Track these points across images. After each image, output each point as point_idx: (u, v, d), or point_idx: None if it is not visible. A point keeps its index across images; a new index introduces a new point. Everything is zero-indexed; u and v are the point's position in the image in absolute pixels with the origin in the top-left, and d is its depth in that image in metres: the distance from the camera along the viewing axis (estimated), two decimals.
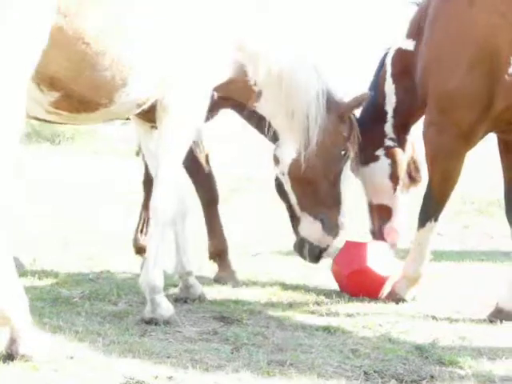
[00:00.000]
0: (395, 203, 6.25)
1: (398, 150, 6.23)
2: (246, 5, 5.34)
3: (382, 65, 6.22)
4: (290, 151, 5.66)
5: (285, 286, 6.23)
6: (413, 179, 6.35)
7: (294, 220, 5.87)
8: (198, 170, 6.31)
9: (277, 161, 5.82)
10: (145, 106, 4.86)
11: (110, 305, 5.32)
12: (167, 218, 4.92)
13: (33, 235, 8.12)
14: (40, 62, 3.91)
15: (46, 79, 4.19)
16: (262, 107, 5.56)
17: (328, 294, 6.04)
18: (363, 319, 5.18)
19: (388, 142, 6.24)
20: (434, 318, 5.35)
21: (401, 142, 6.28)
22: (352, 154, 5.81)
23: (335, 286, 6.25)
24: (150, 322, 4.78)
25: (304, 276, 6.64)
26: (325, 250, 5.83)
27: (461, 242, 9.77)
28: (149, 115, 5.07)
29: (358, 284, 5.90)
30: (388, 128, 6.23)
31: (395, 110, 6.18)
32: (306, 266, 6.29)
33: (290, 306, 5.57)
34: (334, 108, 5.67)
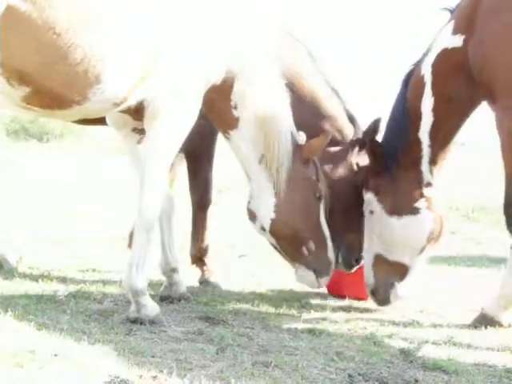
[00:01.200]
0: (416, 264, 5.63)
1: (438, 201, 5.65)
2: (246, 15, 5.28)
3: (407, 84, 5.63)
4: (267, 208, 5.52)
5: (270, 288, 6.25)
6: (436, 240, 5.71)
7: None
8: (196, 171, 6.30)
9: (252, 216, 5.67)
10: (123, 106, 4.69)
11: (95, 303, 5.31)
12: (152, 223, 4.86)
13: (19, 233, 8.10)
14: (8, 54, 3.78)
15: (15, 73, 4.02)
16: (234, 138, 5.42)
17: (314, 296, 6.07)
18: (348, 322, 5.20)
19: (428, 190, 5.60)
20: (418, 322, 5.36)
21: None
22: (324, 194, 5.66)
23: (320, 290, 6.27)
24: (135, 321, 4.77)
25: (290, 278, 6.65)
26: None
27: (447, 247, 9.78)
28: (135, 116, 4.93)
29: (346, 284, 5.98)
30: (425, 165, 5.58)
31: (432, 135, 5.51)
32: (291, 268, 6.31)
33: (276, 307, 5.57)
34: (299, 153, 5.54)
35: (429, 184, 5.60)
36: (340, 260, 5.92)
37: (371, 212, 5.69)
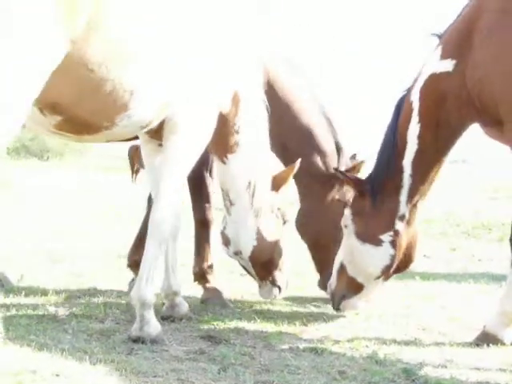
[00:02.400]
0: (371, 286, 5.81)
1: (404, 239, 5.65)
2: (251, 45, 5.67)
3: (399, 110, 5.61)
4: (249, 234, 5.86)
5: (272, 306, 6.23)
6: (399, 269, 5.82)
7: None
8: (200, 188, 6.34)
9: (226, 241, 6.00)
10: (149, 128, 4.92)
11: (96, 322, 5.31)
12: (165, 235, 4.97)
13: (20, 251, 8.10)
14: (43, 88, 3.95)
15: (48, 104, 4.23)
16: (231, 162, 5.72)
17: (315, 314, 6.05)
18: (350, 341, 5.18)
19: (398, 225, 5.61)
20: (420, 340, 5.35)
21: (412, 215, 5.68)
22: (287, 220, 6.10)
23: (322, 307, 6.27)
24: (136, 340, 4.77)
25: (291, 296, 6.65)
26: None
27: (448, 264, 9.78)
28: (158, 133, 5.10)
29: None
30: (403, 196, 5.59)
31: (414, 164, 5.51)
32: (292, 286, 6.32)
33: (278, 326, 5.56)
34: (273, 183, 5.97)
35: (403, 217, 5.62)
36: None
37: (345, 226, 5.84)
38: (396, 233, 5.62)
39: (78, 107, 4.32)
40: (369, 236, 5.67)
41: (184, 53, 4.75)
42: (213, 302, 6.23)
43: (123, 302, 6.06)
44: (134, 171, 27.06)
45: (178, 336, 5.05)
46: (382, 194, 5.63)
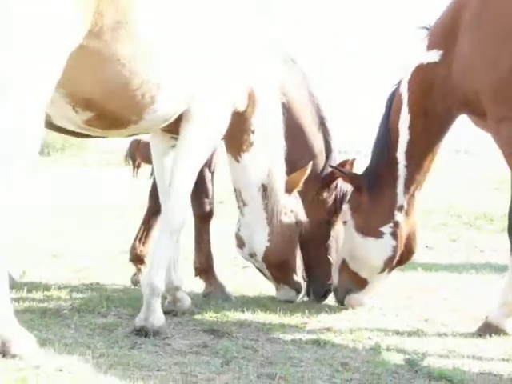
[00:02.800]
0: (375, 280, 5.92)
1: (405, 230, 5.77)
2: (264, 45, 5.77)
3: (391, 103, 5.76)
4: (261, 236, 5.93)
5: (274, 299, 6.24)
6: (401, 261, 5.93)
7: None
8: (199, 183, 6.25)
9: (241, 242, 6.05)
10: (170, 121, 4.98)
11: (99, 317, 5.31)
12: (177, 226, 5.02)
13: (22, 247, 8.10)
14: (76, 85, 4.20)
15: (81, 101, 4.37)
16: (244, 161, 5.82)
17: (317, 306, 6.06)
18: (353, 332, 5.18)
19: (397, 216, 5.73)
20: (423, 331, 5.35)
21: (410, 205, 5.79)
22: (304, 225, 6.06)
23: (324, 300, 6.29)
24: (140, 330, 4.79)
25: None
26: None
27: (450, 255, 9.79)
28: (172, 127, 5.14)
29: None
30: (400, 187, 5.70)
31: (408, 154, 5.63)
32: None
33: (280, 319, 5.56)
34: (286, 186, 6.00)
35: (401, 207, 5.74)
36: (311, 292, 6.37)
37: (345, 222, 5.98)
38: (396, 224, 5.74)
39: (109, 103, 4.44)
40: (369, 229, 5.78)
41: (204, 49, 4.84)
42: (215, 295, 6.23)
43: (125, 296, 6.07)
44: (136, 166, 27.10)
45: (180, 330, 5.06)
46: (379, 187, 5.75)
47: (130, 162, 27.39)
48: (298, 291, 6.19)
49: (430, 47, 5.51)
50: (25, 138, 3.76)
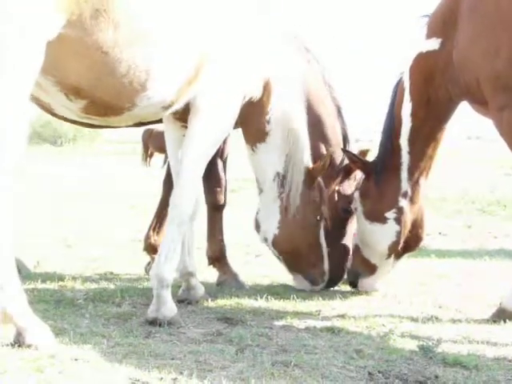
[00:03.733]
0: (384, 265, 6.04)
1: (409, 216, 5.85)
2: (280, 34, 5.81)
3: (396, 92, 5.86)
4: (272, 223, 5.96)
5: (288, 287, 6.24)
6: (409, 248, 6.03)
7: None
8: (211, 172, 6.29)
9: (257, 226, 6.10)
10: (173, 109, 4.96)
11: (113, 306, 5.33)
12: (184, 217, 5.00)
13: (35, 237, 8.13)
14: (64, 73, 4.24)
15: (71, 89, 4.38)
16: (260, 151, 5.85)
17: (331, 294, 6.06)
18: (367, 319, 5.18)
19: (402, 202, 5.83)
20: (437, 317, 5.35)
21: (415, 192, 5.86)
22: (326, 217, 6.04)
23: (338, 287, 6.29)
24: (153, 321, 4.80)
25: None
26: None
27: (463, 241, 9.77)
28: (184, 115, 5.15)
29: None
30: (404, 173, 5.80)
31: (411, 141, 5.73)
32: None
33: (294, 306, 5.57)
34: (307, 176, 5.95)
35: (406, 194, 5.85)
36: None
37: (355, 209, 6.10)
38: (400, 210, 5.84)
39: (97, 90, 4.43)
40: (375, 215, 5.91)
41: (205, 35, 4.79)
42: (229, 284, 6.24)
43: (139, 286, 6.09)
44: (148, 155, 27.18)
45: (194, 318, 5.07)
46: (384, 174, 5.86)
47: (143, 151, 27.43)
48: (313, 283, 6.13)
49: (430, 35, 5.55)
50: (6, 132, 3.76)
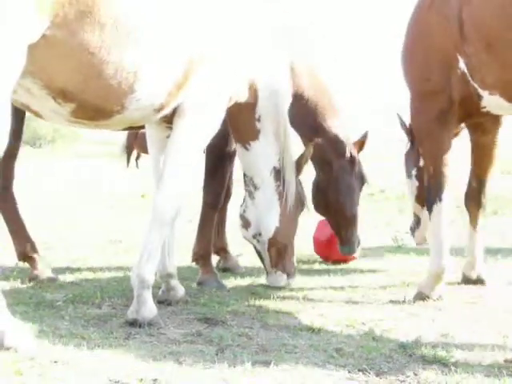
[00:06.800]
0: (422, 215, 7.24)
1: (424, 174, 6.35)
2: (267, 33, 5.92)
3: None
4: (273, 217, 6.06)
5: (268, 287, 6.24)
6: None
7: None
8: (217, 173, 6.44)
9: (247, 223, 6.15)
10: (166, 112, 4.95)
11: (93, 308, 5.32)
12: (167, 219, 4.98)
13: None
14: (51, 75, 4.20)
15: (59, 92, 4.34)
16: (254, 149, 5.96)
17: (311, 293, 6.07)
18: (346, 318, 5.19)
19: (421, 162, 6.81)
20: (417, 315, 5.37)
21: None
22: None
23: (317, 286, 6.31)
24: (133, 322, 4.78)
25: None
26: None
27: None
28: (169, 117, 5.13)
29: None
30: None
31: None
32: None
33: (274, 306, 5.58)
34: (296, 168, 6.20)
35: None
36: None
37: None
38: (418, 168, 7.26)
39: (84, 93, 4.40)
40: (407, 172, 7.53)
41: (195, 37, 4.79)
42: (209, 284, 6.24)
43: (119, 287, 6.07)
44: (136, 157, 27.22)
45: (174, 319, 5.06)
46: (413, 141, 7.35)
47: (126, 153, 27.42)
48: (290, 275, 6.24)
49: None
50: None
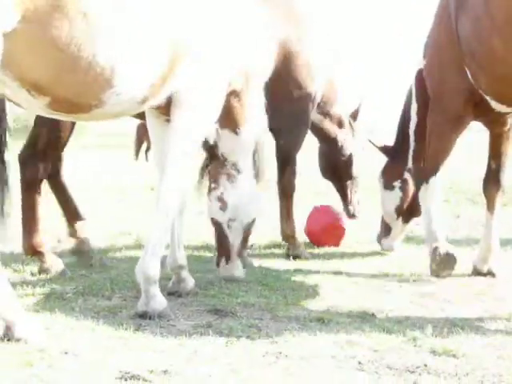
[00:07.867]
0: (394, 227, 7.64)
1: (410, 186, 7.46)
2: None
3: (409, 95, 7.32)
4: (253, 208, 6.01)
5: (278, 278, 6.24)
6: (412, 213, 7.52)
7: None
8: (289, 163, 7.34)
9: (224, 205, 5.96)
10: (152, 103, 4.88)
11: (103, 300, 5.33)
12: (171, 212, 4.96)
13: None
14: (23, 69, 4.11)
15: (32, 85, 4.23)
16: (243, 133, 5.96)
17: (321, 284, 6.06)
18: (356, 309, 5.19)
19: (406, 175, 7.50)
20: (426, 307, 5.37)
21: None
22: None
23: (327, 277, 6.30)
24: (143, 315, 4.79)
25: (296, 268, 6.67)
26: None
27: (452, 231, 9.77)
28: (167, 110, 5.10)
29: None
30: (410, 154, 7.37)
31: (416, 132, 7.23)
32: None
33: (284, 297, 5.57)
34: None
35: (409, 170, 7.43)
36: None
37: (380, 181, 7.73)
38: (404, 180, 7.54)
39: (59, 87, 4.29)
40: (387, 184, 7.63)
41: (178, 27, 4.69)
42: (304, 255, 7.15)
43: (129, 279, 6.07)
44: (146, 150, 27.21)
45: (184, 310, 5.07)
46: (400, 153, 7.49)
47: (136, 145, 27.37)
48: (245, 266, 6.18)
49: (424, 55, 6.77)
50: None
